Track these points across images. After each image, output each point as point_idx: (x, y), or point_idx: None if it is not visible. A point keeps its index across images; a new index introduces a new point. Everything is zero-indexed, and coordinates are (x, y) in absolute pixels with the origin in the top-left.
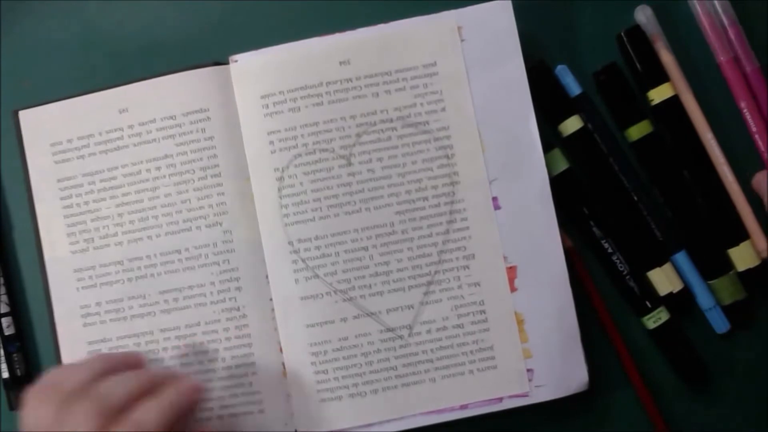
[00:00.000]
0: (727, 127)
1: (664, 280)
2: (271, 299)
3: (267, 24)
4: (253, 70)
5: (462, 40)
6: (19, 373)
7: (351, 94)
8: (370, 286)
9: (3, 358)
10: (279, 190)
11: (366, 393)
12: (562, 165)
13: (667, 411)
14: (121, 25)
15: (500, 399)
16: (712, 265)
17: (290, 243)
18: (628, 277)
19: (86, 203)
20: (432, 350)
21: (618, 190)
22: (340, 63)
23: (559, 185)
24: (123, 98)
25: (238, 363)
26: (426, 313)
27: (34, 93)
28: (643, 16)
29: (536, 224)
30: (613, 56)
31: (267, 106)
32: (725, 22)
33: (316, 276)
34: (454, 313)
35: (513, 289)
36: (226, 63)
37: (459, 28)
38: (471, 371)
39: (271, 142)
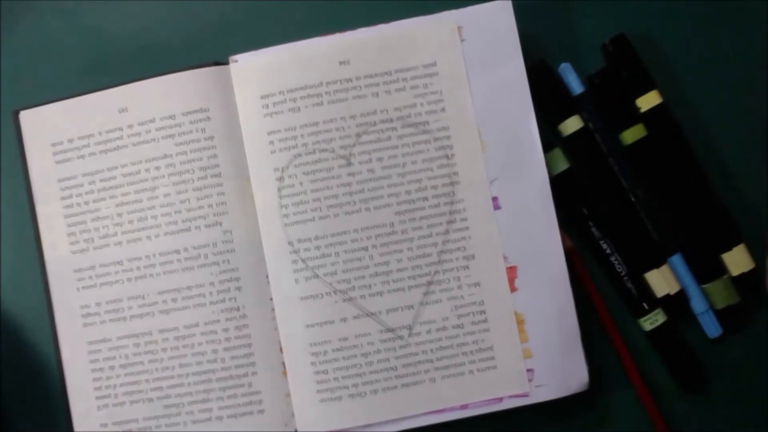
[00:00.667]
0: (726, 130)
1: (661, 281)
2: (271, 299)
3: (267, 24)
4: (253, 70)
5: (462, 40)
6: None
7: (351, 94)
8: (370, 286)
9: None
10: (279, 190)
11: (366, 393)
12: (562, 165)
13: (667, 411)
14: (121, 25)
15: (500, 399)
16: (706, 269)
17: (290, 243)
18: (626, 278)
19: (86, 203)
20: (432, 350)
21: (617, 191)
22: (340, 63)
23: (559, 185)
24: (123, 98)
25: (237, 363)
26: (426, 313)
27: (34, 93)
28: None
29: (536, 224)
30: None
31: (267, 106)
32: None
33: (316, 276)
34: (454, 313)
35: (513, 289)
36: (226, 63)
37: (459, 28)
38: (471, 371)
39: (271, 142)
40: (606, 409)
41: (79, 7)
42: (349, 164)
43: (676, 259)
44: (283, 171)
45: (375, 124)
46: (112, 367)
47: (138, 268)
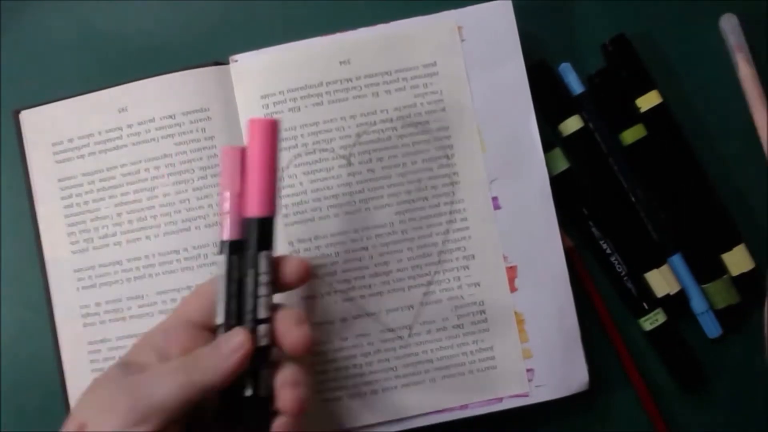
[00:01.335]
0: (726, 130)
1: (661, 281)
2: None
3: (267, 24)
4: (253, 70)
5: (462, 40)
6: None
7: (351, 94)
8: (370, 286)
9: None
10: (279, 190)
11: (366, 393)
12: (562, 165)
13: (667, 411)
14: (121, 25)
15: (500, 399)
16: (706, 269)
17: (290, 243)
18: (626, 278)
19: (86, 203)
20: (432, 350)
21: (617, 191)
22: (340, 63)
23: (559, 185)
24: (123, 98)
25: None
26: (426, 313)
27: (34, 93)
28: (728, 24)
29: (536, 224)
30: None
31: (267, 106)
32: None
33: (316, 276)
34: (454, 313)
35: (513, 289)
36: (226, 63)
37: (459, 28)
38: (471, 371)
39: None
40: (606, 409)
41: (79, 7)
42: (349, 164)
43: (676, 259)
44: (283, 171)
45: (375, 123)
46: None
47: (137, 268)
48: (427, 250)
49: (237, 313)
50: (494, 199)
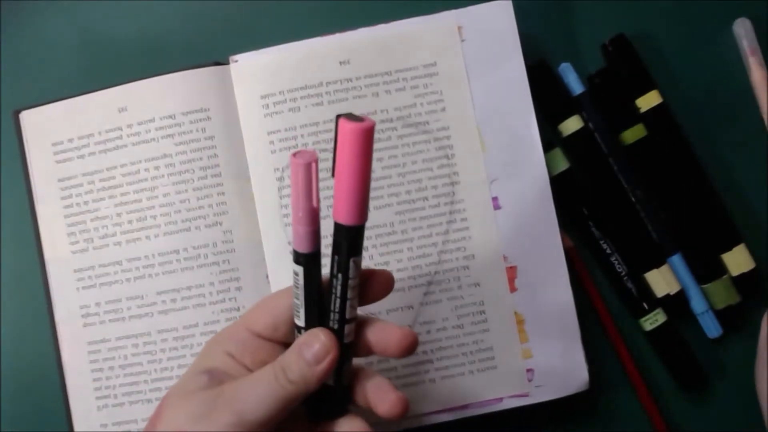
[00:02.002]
0: (726, 130)
1: (661, 281)
2: None
3: (267, 24)
4: (253, 70)
5: (462, 40)
6: None
7: (351, 94)
8: None
9: None
10: (279, 190)
11: None
12: (562, 165)
13: (667, 411)
14: (121, 25)
15: (500, 399)
16: (706, 269)
17: (290, 243)
18: (626, 278)
19: (86, 203)
20: (432, 351)
21: (617, 191)
22: (340, 63)
23: (559, 185)
24: (122, 98)
25: None
26: (426, 313)
27: (34, 93)
28: (742, 28)
29: (536, 224)
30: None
31: (267, 106)
32: None
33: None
34: (454, 313)
35: (513, 289)
36: (226, 63)
37: (459, 28)
38: (471, 371)
39: (272, 142)
40: (606, 409)
41: (78, 7)
42: None
43: (676, 259)
44: (283, 171)
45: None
46: (111, 368)
47: (137, 268)
48: (427, 250)
49: (318, 317)
50: (494, 199)
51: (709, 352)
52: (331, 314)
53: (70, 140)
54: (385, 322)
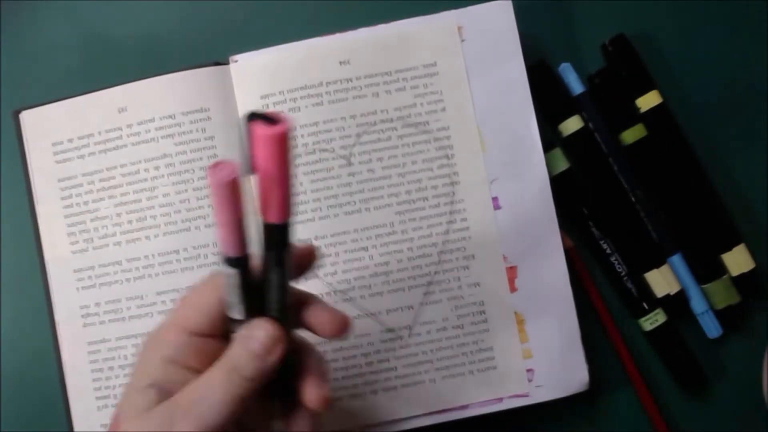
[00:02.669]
0: (726, 130)
1: (661, 281)
2: None
3: (267, 24)
4: (253, 70)
5: (462, 40)
6: None
7: (351, 94)
8: (370, 286)
9: None
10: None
11: (366, 393)
12: (562, 165)
13: (667, 411)
14: (121, 25)
15: (500, 399)
16: (706, 269)
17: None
18: (626, 278)
19: (86, 203)
20: (432, 351)
21: (617, 191)
22: (340, 63)
23: (559, 185)
24: (122, 98)
25: None
26: (426, 313)
27: (34, 93)
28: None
29: (536, 224)
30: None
31: (267, 106)
32: None
33: (316, 276)
34: (454, 313)
35: (513, 289)
36: (226, 63)
37: (459, 28)
38: (471, 371)
39: None
40: (606, 409)
41: (79, 7)
42: (349, 164)
43: (676, 259)
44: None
45: (375, 124)
46: (111, 368)
47: (137, 268)
48: (427, 250)
49: (259, 309)
50: (494, 199)
51: (709, 352)
52: (271, 304)
53: (70, 140)
54: (322, 304)
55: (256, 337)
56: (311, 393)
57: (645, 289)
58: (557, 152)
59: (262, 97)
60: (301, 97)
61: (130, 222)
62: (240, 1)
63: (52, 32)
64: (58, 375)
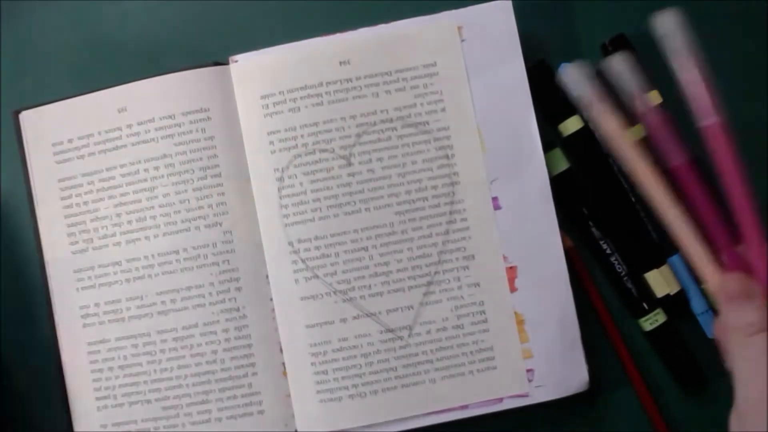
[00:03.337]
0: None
1: (661, 281)
2: (271, 299)
3: (267, 24)
4: (253, 70)
5: (462, 40)
6: None
7: (351, 94)
8: (370, 286)
9: None
10: (279, 190)
11: (366, 394)
12: (562, 165)
13: (667, 411)
14: (121, 25)
15: (500, 399)
16: None
17: (290, 243)
18: (626, 278)
19: (86, 203)
20: (432, 351)
21: (617, 191)
22: (340, 63)
23: (559, 185)
24: (122, 98)
25: (237, 364)
26: (426, 313)
27: (34, 93)
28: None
29: (536, 224)
30: None
31: (267, 106)
32: None
33: (316, 276)
34: (454, 313)
35: (513, 289)
36: (226, 63)
37: (459, 28)
38: (471, 372)
39: (271, 142)
40: (606, 409)
41: (78, 7)
42: (349, 164)
43: (676, 259)
44: (283, 171)
45: (375, 124)
46: (111, 368)
47: (137, 268)
48: (427, 251)
49: None
50: (494, 199)
51: (709, 352)
52: None
53: (70, 140)
54: None
55: None
56: None
57: (645, 289)
58: (557, 152)
59: (262, 97)
60: (301, 97)
61: (129, 222)
62: (240, 1)
63: (52, 32)
64: (58, 375)
